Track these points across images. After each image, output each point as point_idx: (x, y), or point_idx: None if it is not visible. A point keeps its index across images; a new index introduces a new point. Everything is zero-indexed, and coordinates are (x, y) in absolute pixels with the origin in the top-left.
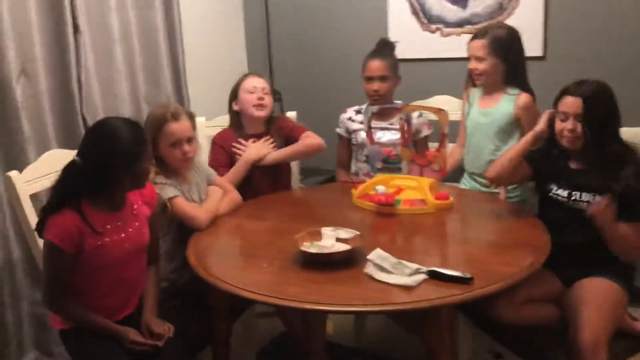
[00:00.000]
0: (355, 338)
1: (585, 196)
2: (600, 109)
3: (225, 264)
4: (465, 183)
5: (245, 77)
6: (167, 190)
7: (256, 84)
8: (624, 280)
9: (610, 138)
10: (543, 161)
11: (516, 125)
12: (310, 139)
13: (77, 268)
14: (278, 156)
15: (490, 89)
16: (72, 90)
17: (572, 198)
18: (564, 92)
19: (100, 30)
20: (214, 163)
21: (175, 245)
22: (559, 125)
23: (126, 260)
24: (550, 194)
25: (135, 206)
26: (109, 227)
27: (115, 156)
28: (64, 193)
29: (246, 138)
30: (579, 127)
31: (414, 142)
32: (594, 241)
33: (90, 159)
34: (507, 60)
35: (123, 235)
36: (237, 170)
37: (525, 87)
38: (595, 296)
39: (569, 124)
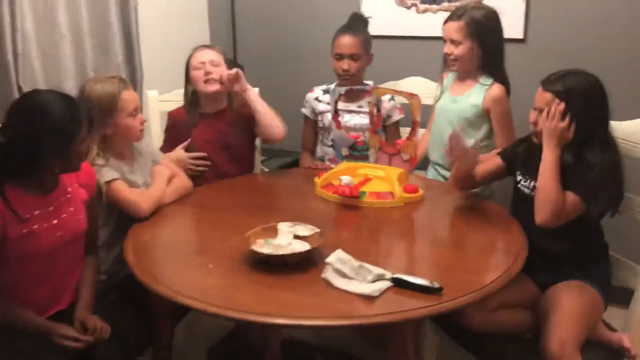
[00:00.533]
0: (315, 333)
1: None
2: (575, 107)
3: (165, 263)
4: (429, 172)
5: (192, 53)
6: (105, 173)
7: (203, 58)
8: (600, 284)
9: (589, 141)
10: (517, 154)
11: (484, 117)
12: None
13: (1, 258)
14: (256, 100)
15: (464, 75)
16: (7, 58)
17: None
18: (542, 83)
19: None
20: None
21: (115, 235)
22: (531, 116)
23: (58, 250)
24: (518, 186)
25: (69, 189)
26: (37, 212)
27: (44, 135)
28: None
29: (201, 117)
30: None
31: (384, 127)
32: (567, 242)
33: (15, 136)
34: (484, 45)
35: (55, 221)
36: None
37: (500, 75)
38: (567, 300)
39: (532, 117)
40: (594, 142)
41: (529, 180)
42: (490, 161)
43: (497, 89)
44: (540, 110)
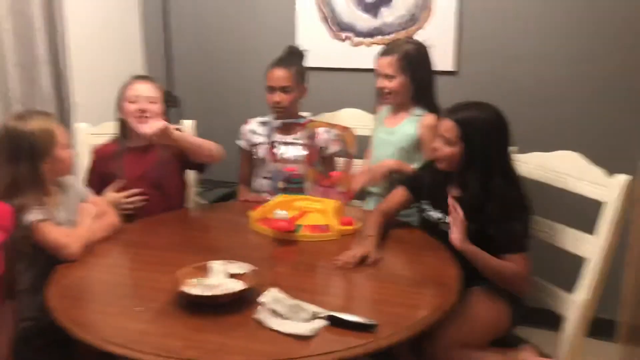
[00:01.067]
0: None
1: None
2: (474, 135)
3: (92, 308)
4: (369, 203)
5: (128, 83)
6: (34, 212)
7: (140, 92)
8: (511, 298)
9: (489, 168)
10: (424, 183)
11: (418, 147)
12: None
13: None
14: (184, 137)
15: (398, 108)
16: None
17: (441, 220)
18: (446, 111)
19: None
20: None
21: (41, 278)
22: (435, 143)
23: None
24: (424, 214)
25: None
26: None
27: None
28: None
29: (128, 152)
30: (444, 150)
31: (322, 157)
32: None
33: None
34: (416, 78)
35: None
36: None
37: (432, 106)
38: (474, 306)
39: (437, 144)
40: (495, 173)
41: (437, 211)
42: (398, 193)
43: (430, 118)
44: (441, 137)
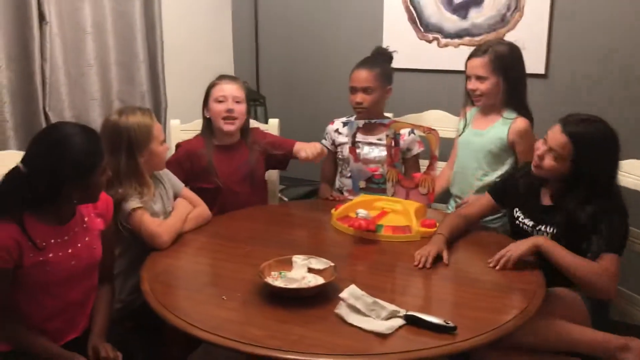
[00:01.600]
0: None
1: (549, 228)
2: (587, 158)
3: (180, 294)
4: (450, 206)
5: (215, 83)
6: (131, 201)
7: (226, 92)
8: (592, 307)
9: (592, 191)
10: (511, 189)
11: (508, 151)
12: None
13: (16, 286)
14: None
15: (488, 110)
16: (35, 85)
17: (537, 228)
18: (559, 121)
19: (70, 21)
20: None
21: (133, 264)
22: (539, 148)
23: (72, 279)
24: (516, 222)
25: (86, 219)
26: (53, 241)
27: (64, 167)
28: (4, 202)
29: (216, 149)
30: (550, 163)
31: (403, 160)
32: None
33: (36, 167)
34: (508, 79)
35: (70, 251)
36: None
37: (523, 109)
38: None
39: (539, 149)
40: (599, 191)
41: (528, 219)
42: (482, 199)
43: (521, 122)
44: (551, 150)
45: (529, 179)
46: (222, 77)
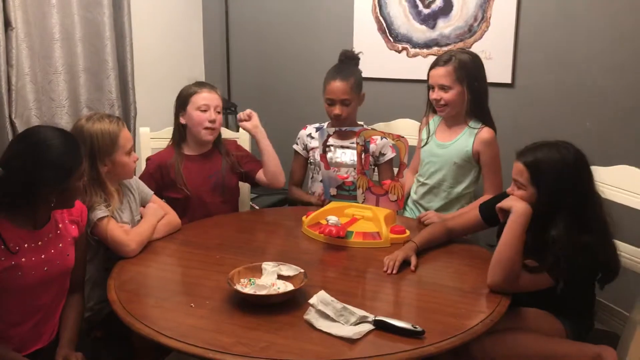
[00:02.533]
0: None
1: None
2: (546, 181)
3: (148, 302)
4: (409, 210)
5: (197, 90)
6: (97, 211)
7: (209, 101)
8: (568, 318)
9: (556, 217)
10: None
11: (472, 162)
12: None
13: None
14: (264, 141)
15: (452, 120)
16: (0, 92)
17: None
18: (516, 154)
19: (37, 27)
20: (146, 178)
21: (101, 271)
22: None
23: (43, 285)
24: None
25: (60, 225)
26: (26, 245)
27: (42, 170)
28: None
29: (186, 159)
30: (516, 193)
31: (377, 165)
32: (550, 298)
33: (14, 169)
34: (472, 88)
35: (43, 256)
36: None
37: (487, 119)
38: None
39: (510, 188)
40: (561, 219)
41: None
42: (470, 214)
43: (487, 132)
44: (514, 181)
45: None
46: (202, 85)
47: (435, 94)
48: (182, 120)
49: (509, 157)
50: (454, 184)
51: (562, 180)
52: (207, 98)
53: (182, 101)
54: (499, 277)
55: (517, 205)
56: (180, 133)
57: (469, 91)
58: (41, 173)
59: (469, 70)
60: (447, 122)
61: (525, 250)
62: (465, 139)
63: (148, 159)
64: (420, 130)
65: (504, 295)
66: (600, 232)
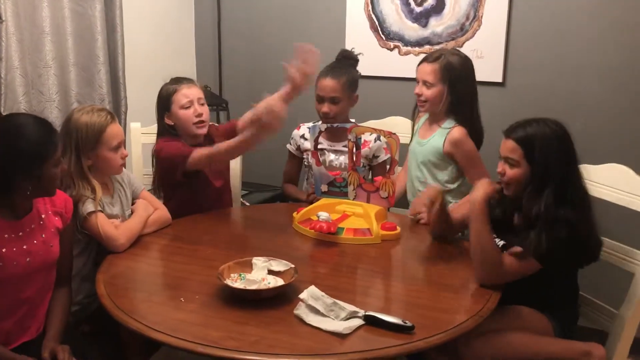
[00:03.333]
0: None
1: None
2: (539, 156)
3: (137, 296)
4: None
5: (176, 89)
6: (86, 205)
7: (190, 96)
8: (560, 319)
9: (555, 193)
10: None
11: (446, 160)
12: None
13: None
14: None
15: (433, 119)
16: None
17: (508, 250)
18: (504, 132)
19: (27, 21)
20: (183, 149)
21: (90, 265)
22: (499, 166)
23: (27, 277)
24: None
25: (43, 215)
26: (7, 236)
27: (15, 156)
28: None
29: None
30: (509, 172)
31: (371, 167)
32: (532, 285)
33: None
34: (455, 90)
35: (25, 247)
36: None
37: (468, 121)
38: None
39: (499, 167)
40: (545, 195)
41: (500, 239)
42: (465, 208)
43: (456, 132)
44: (506, 159)
45: (503, 206)
46: (179, 82)
47: (417, 89)
48: (168, 121)
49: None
50: (428, 180)
51: (554, 154)
52: (187, 94)
53: (164, 103)
54: (481, 271)
55: (472, 195)
56: (171, 132)
57: (450, 92)
58: (14, 160)
59: (455, 73)
60: (429, 120)
61: (513, 235)
62: (437, 139)
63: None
64: (412, 128)
65: (494, 291)
66: (581, 206)
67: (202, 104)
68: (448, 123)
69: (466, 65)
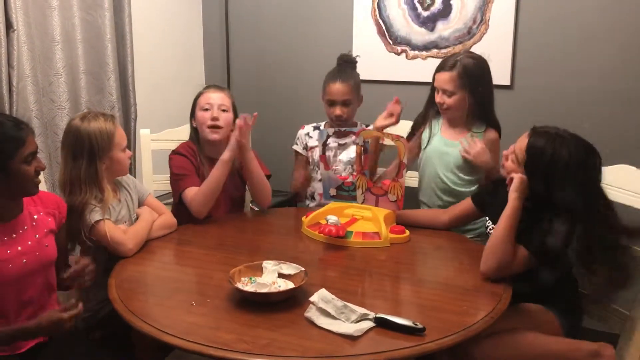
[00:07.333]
0: None
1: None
2: (542, 161)
3: (149, 300)
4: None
5: (203, 92)
6: (93, 213)
7: (212, 100)
8: (565, 314)
9: (558, 190)
10: (490, 198)
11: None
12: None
13: None
14: (253, 162)
15: (456, 122)
16: (1, 93)
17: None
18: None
19: (38, 29)
20: (181, 170)
21: (102, 273)
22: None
23: (26, 278)
24: (487, 231)
25: (35, 216)
26: None
27: None
28: None
29: (203, 162)
30: (512, 167)
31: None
32: (536, 285)
33: None
34: (475, 94)
35: (20, 248)
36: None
37: (491, 120)
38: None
39: (506, 162)
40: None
41: (490, 225)
42: (463, 203)
43: (492, 133)
44: (513, 154)
45: (504, 191)
46: (209, 86)
47: (439, 98)
48: (194, 124)
49: None
50: (462, 178)
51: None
52: (210, 97)
53: (193, 105)
54: (492, 264)
55: (508, 205)
56: (196, 136)
57: (472, 96)
58: None
59: (473, 76)
60: (451, 123)
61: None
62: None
63: (174, 150)
64: (420, 134)
65: (504, 292)
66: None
67: (224, 110)
68: (478, 127)
69: (482, 66)
